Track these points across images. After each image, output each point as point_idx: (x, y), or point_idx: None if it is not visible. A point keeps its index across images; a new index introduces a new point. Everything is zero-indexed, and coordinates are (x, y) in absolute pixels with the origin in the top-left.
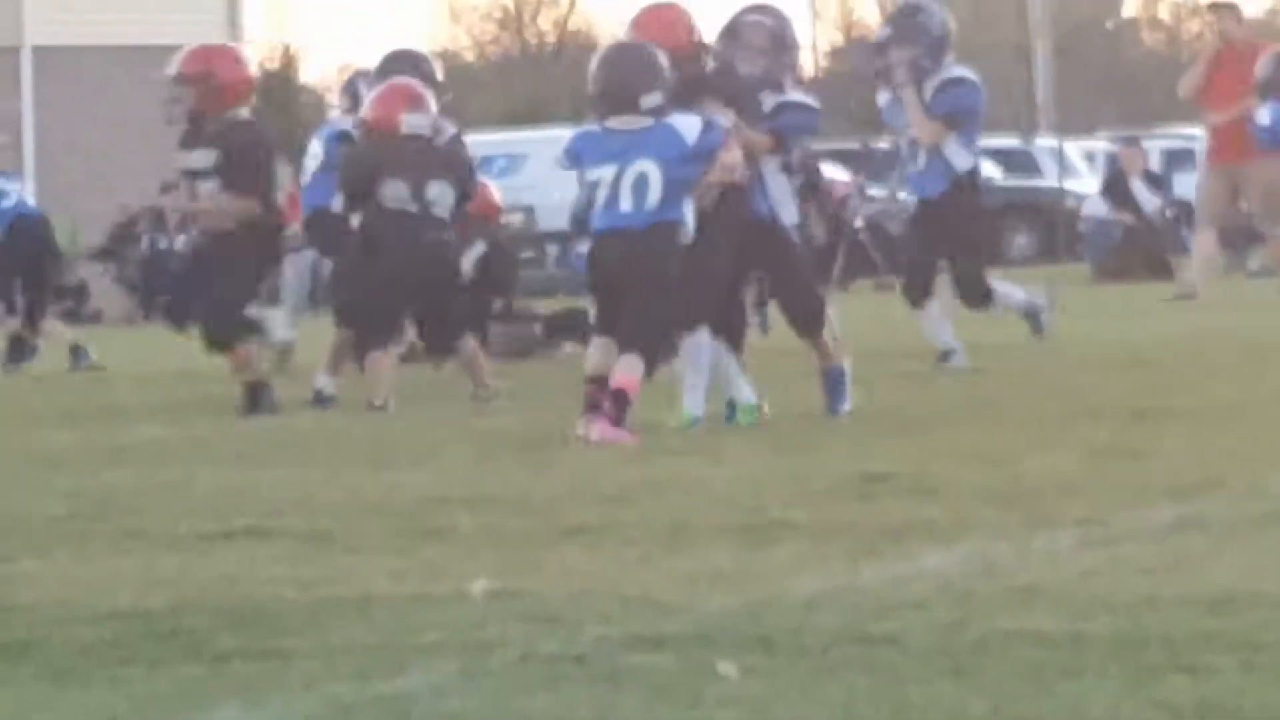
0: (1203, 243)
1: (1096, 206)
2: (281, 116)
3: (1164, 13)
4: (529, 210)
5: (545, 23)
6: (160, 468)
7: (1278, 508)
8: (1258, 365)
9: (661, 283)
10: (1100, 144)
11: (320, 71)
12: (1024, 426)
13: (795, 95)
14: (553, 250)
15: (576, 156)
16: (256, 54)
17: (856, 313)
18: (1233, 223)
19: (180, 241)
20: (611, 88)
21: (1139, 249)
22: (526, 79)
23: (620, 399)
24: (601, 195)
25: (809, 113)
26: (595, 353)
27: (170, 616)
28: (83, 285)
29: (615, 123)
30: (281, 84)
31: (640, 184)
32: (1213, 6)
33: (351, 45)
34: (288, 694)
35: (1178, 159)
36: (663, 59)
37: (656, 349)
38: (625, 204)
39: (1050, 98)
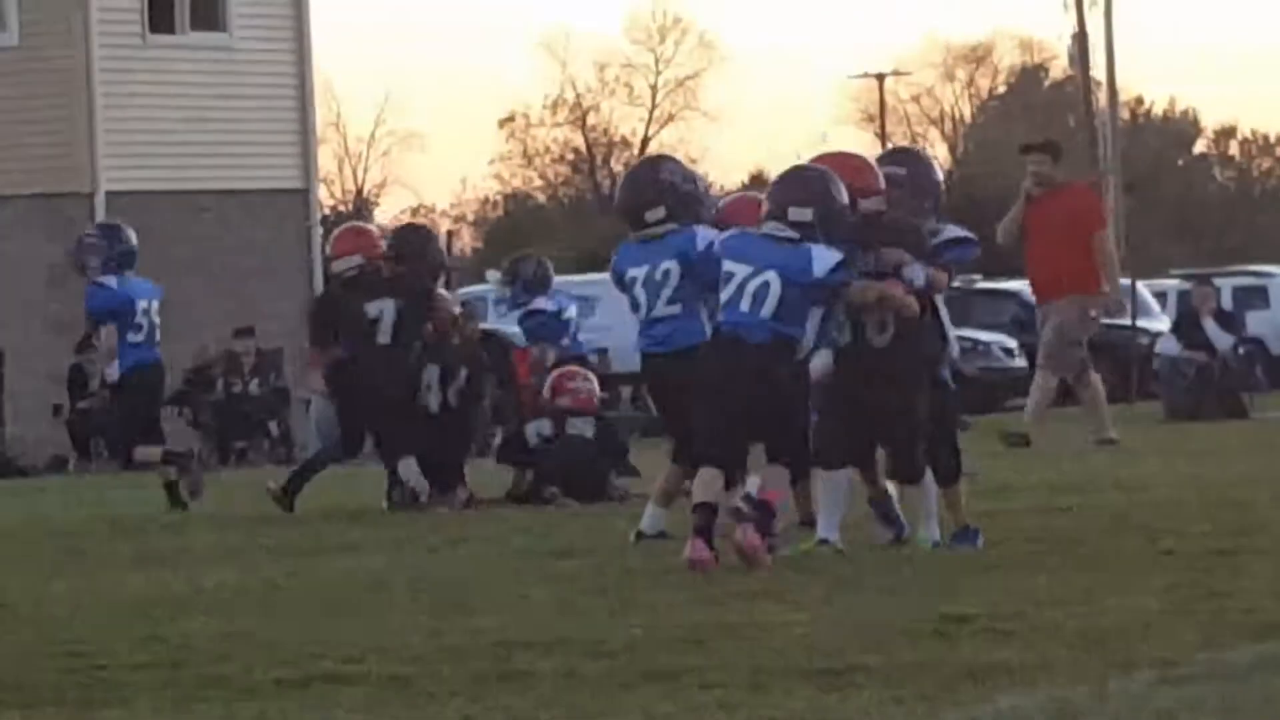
0: (1040, 381)
1: (1169, 345)
2: None
3: (1234, 149)
4: (602, 352)
5: (617, 165)
6: (238, 614)
7: None
8: None
9: (790, 396)
10: (1172, 282)
11: (390, 214)
12: (1101, 567)
13: (953, 230)
14: (625, 391)
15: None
16: (329, 197)
17: None
18: None
19: (255, 385)
20: (771, 197)
21: (1212, 387)
22: (598, 221)
23: (767, 510)
24: (726, 293)
25: (970, 244)
26: (705, 479)
27: None
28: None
29: (768, 227)
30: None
31: (761, 292)
32: (1025, 148)
33: (423, 187)
34: None
35: (1249, 296)
36: (835, 188)
37: (800, 463)
38: (744, 305)
39: (1122, 235)
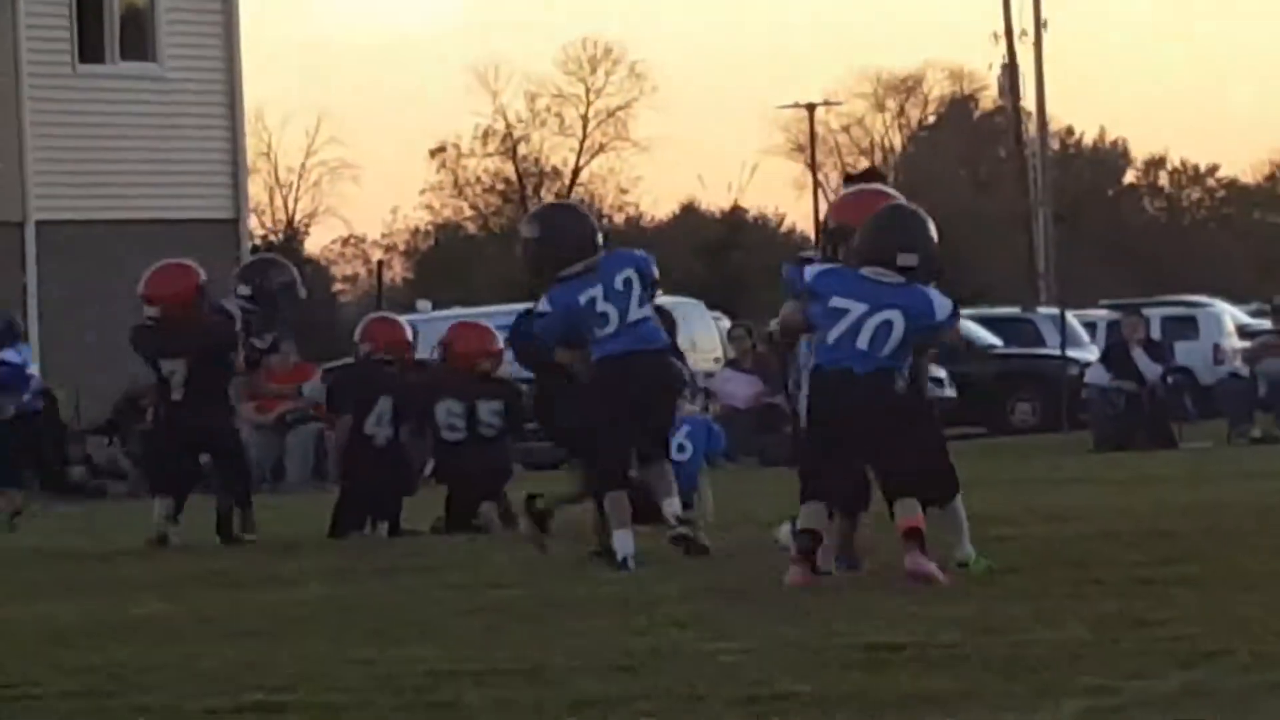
0: None
1: (1098, 375)
2: None
3: (1164, 180)
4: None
5: (548, 195)
6: (168, 643)
7: None
8: (1264, 533)
9: (905, 426)
10: (1101, 312)
11: (321, 243)
12: (1031, 596)
13: None
14: None
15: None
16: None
17: None
18: (1238, 394)
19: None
20: (873, 241)
21: (1141, 417)
22: None
23: (917, 535)
24: (837, 330)
25: None
26: (811, 511)
27: None
28: (87, 458)
29: (869, 271)
30: (286, 255)
31: (883, 330)
32: (846, 179)
33: (354, 217)
34: None
35: (1179, 327)
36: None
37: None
38: (862, 342)
39: (1051, 265)
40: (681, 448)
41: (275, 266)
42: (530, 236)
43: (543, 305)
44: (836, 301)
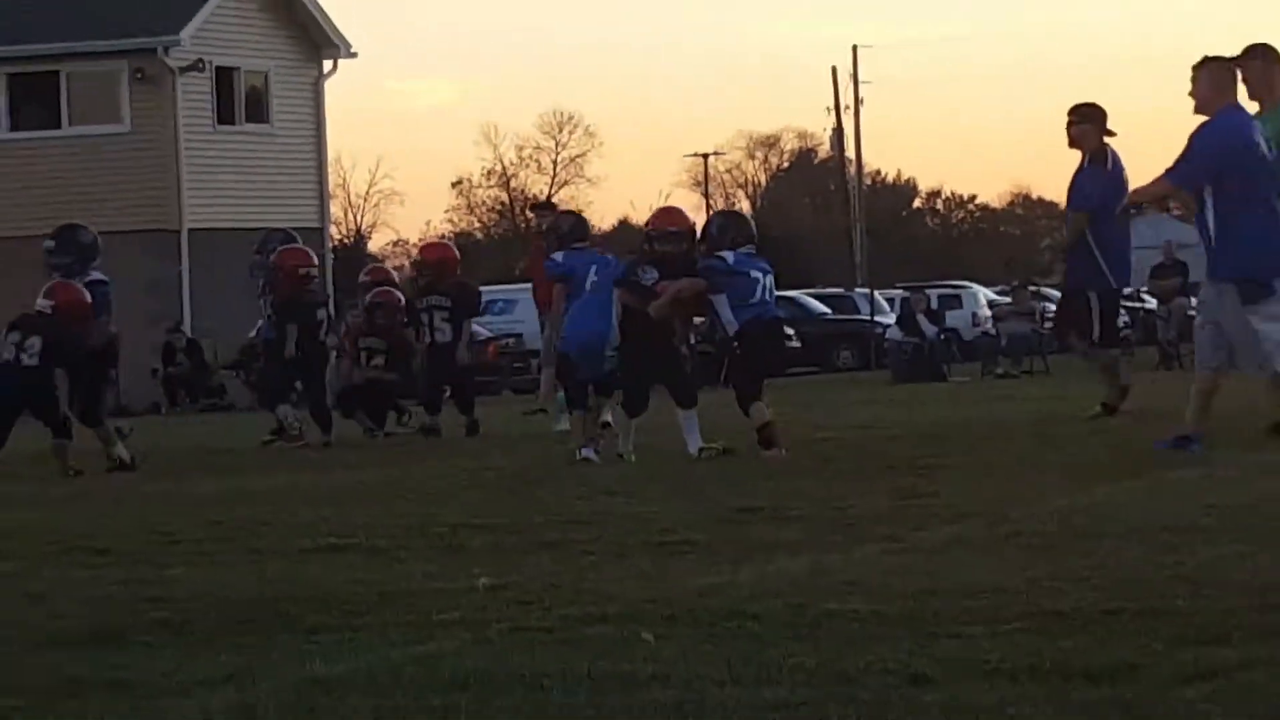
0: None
1: (895, 333)
2: (354, 276)
3: (940, 205)
4: (519, 337)
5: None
6: (271, 505)
7: (1017, 530)
8: (1000, 436)
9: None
10: (898, 292)
11: (379, 245)
12: (848, 477)
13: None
14: (534, 362)
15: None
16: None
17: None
18: (988, 345)
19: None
20: (737, 230)
21: (923, 361)
22: (518, 250)
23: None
24: (758, 292)
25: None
26: (758, 408)
27: (277, 604)
28: (222, 386)
29: (748, 249)
30: (354, 254)
31: (770, 287)
32: (533, 207)
33: (401, 227)
34: (355, 655)
35: (950, 301)
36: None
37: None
38: (770, 298)
39: (864, 261)
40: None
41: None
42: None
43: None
44: (755, 274)
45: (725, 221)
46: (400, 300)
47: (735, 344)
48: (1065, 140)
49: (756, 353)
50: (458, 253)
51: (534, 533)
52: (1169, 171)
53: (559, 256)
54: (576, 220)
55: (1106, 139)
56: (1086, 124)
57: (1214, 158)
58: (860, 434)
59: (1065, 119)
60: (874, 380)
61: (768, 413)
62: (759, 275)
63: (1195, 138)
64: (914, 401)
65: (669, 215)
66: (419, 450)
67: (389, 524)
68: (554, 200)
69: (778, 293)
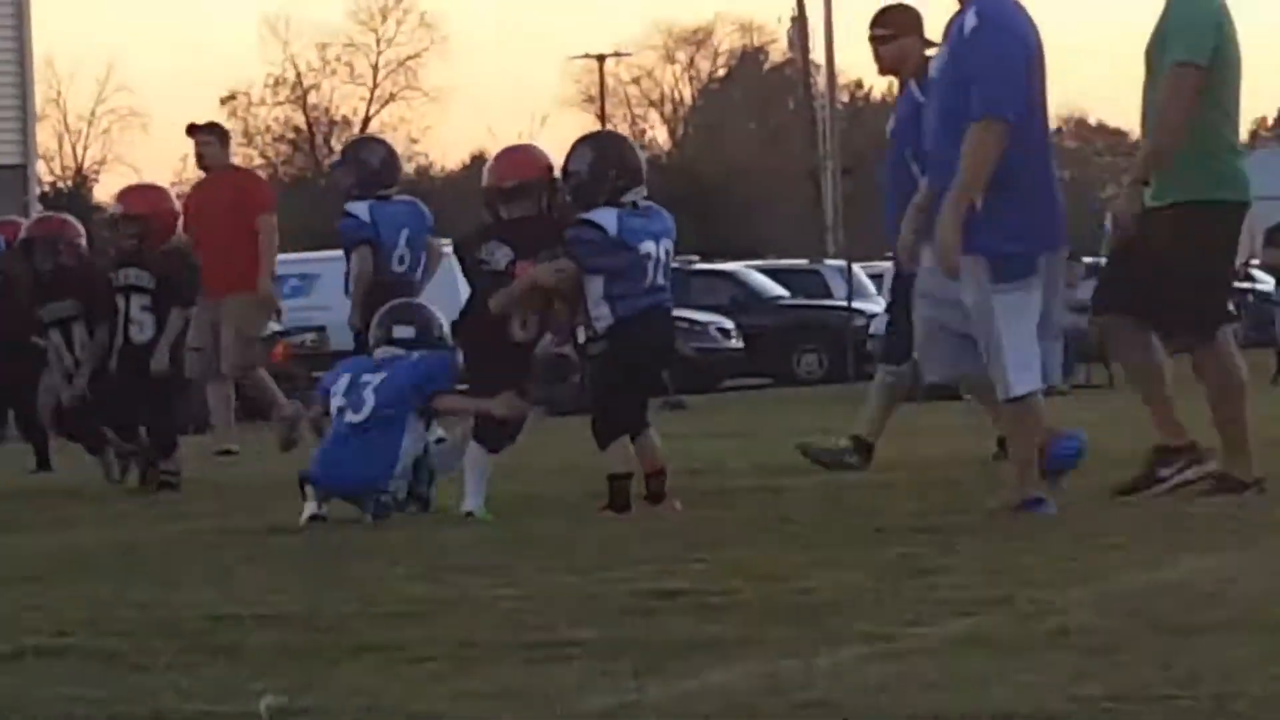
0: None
1: (884, 325)
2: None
3: None
4: (320, 330)
5: (337, 143)
6: None
7: (1061, 625)
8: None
9: None
10: (888, 264)
11: (110, 190)
12: (813, 544)
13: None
14: None
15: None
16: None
17: None
18: None
19: None
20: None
21: None
22: (320, 201)
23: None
24: (649, 274)
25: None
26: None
27: None
28: None
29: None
30: (75, 203)
31: (665, 261)
32: (190, 130)
33: (144, 165)
34: None
35: None
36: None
37: None
38: (661, 279)
39: (839, 218)
40: None
41: None
42: None
43: None
44: (647, 247)
45: (597, 154)
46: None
47: (601, 346)
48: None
49: (635, 362)
50: (177, 204)
51: (344, 629)
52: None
53: (360, 209)
54: (388, 154)
55: (929, 52)
56: (904, 37)
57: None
58: (832, 479)
59: (868, 33)
60: (853, 396)
61: (651, 454)
62: (651, 247)
63: None
64: (914, 429)
65: (511, 162)
66: (163, 500)
67: (124, 615)
68: (370, 130)
69: (710, 265)
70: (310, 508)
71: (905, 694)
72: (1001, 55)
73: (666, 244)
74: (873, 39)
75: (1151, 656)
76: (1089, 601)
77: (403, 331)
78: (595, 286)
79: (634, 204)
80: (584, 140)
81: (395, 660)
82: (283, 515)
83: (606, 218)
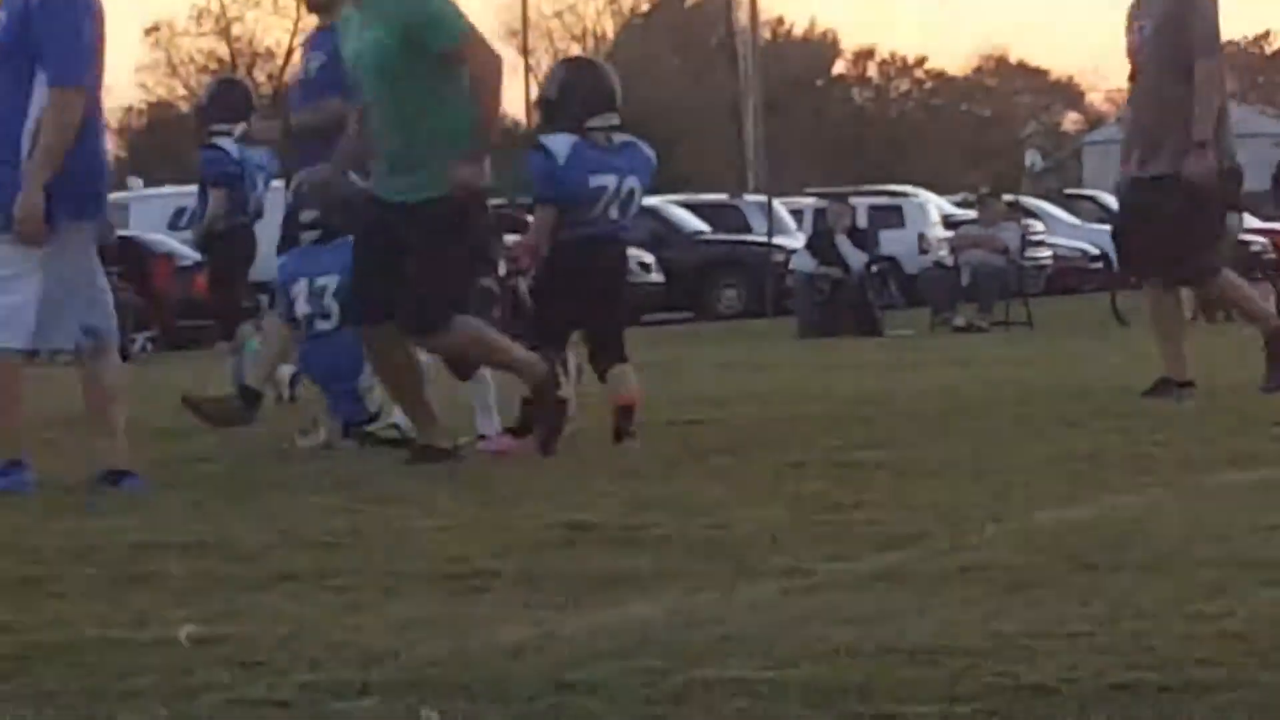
0: None
1: (804, 261)
2: None
3: (873, 71)
4: None
5: (260, 75)
6: None
7: (978, 561)
8: (958, 419)
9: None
10: (808, 200)
11: None
12: (731, 478)
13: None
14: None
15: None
16: None
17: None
18: (942, 284)
19: None
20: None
21: (846, 304)
22: None
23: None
24: (600, 206)
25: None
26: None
27: None
28: None
29: (602, 125)
30: None
31: (628, 199)
32: None
33: None
34: None
35: (885, 216)
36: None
37: None
38: (614, 213)
39: (760, 154)
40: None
41: None
42: None
43: None
44: (600, 181)
45: (566, 78)
46: None
47: (539, 273)
48: None
49: (569, 285)
50: None
51: (264, 558)
52: None
53: (231, 145)
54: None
55: None
56: None
57: None
58: (750, 413)
59: None
60: (773, 331)
61: (623, 388)
62: (609, 180)
63: None
64: (831, 364)
65: None
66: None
67: (42, 542)
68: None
69: None
70: (318, 436)
71: (822, 628)
72: None
73: (632, 182)
74: None
75: (1069, 593)
76: (1007, 538)
77: (308, 215)
78: (543, 216)
79: (607, 135)
80: (560, 63)
81: (315, 589)
82: (206, 444)
83: (560, 145)
